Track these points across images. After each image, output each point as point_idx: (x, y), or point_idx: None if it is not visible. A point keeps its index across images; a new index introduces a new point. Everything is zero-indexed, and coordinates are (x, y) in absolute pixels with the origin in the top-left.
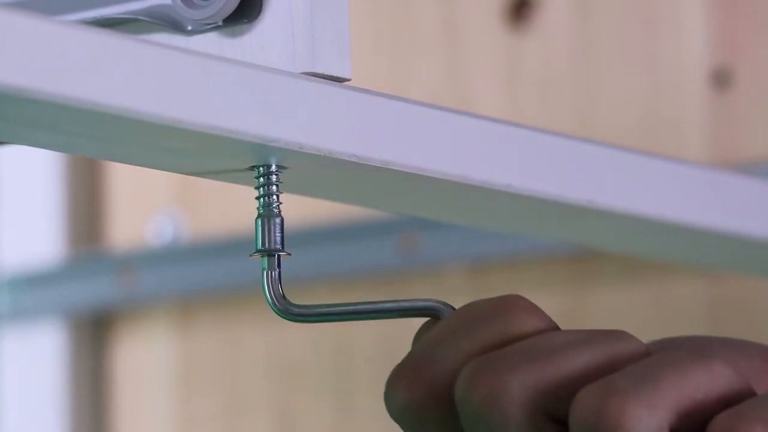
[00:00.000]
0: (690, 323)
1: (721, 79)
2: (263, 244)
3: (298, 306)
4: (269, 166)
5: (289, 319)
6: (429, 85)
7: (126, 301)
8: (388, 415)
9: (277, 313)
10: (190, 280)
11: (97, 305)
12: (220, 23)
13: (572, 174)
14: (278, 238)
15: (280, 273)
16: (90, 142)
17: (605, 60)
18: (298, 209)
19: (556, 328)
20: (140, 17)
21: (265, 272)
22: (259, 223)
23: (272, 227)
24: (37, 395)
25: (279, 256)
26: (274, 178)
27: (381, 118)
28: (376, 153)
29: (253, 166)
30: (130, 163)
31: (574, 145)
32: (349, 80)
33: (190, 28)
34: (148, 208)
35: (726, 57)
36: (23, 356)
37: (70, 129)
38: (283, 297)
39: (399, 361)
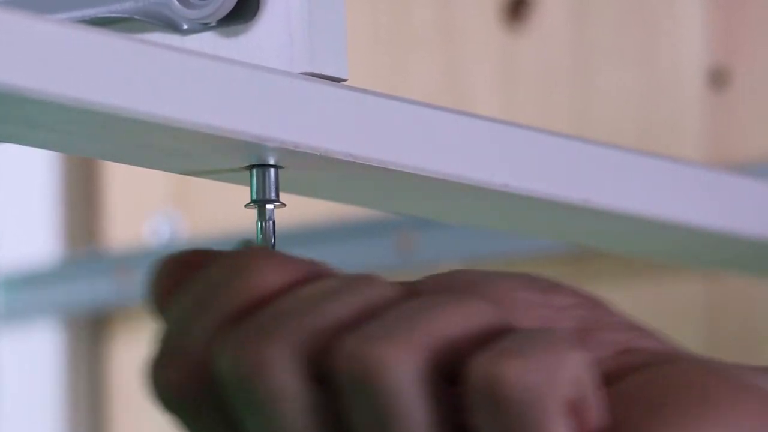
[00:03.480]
0: (690, 323)
1: (719, 79)
2: (257, 194)
3: None
4: (265, 166)
5: None
6: (426, 85)
7: (123, 300)
8: None
9: None
10: None
11: (94, 305)
12: (216, 23)
13: (569, 173)
14: (272, 189)
15: (274, 224)
16: (86, 141)
17: (602, 59)
18: (294, 209)
19: (307, 273)
20: (135, 16)
21: (258, 224)
22: (254, 173)
23: (266, 178)
24: (34, 395)
25: (273, 206)
26: (270, 177)
27: (377, 118)
28: (372, 152)
29: (249, 166)
30: (126, 163)
31: (572, 145)
32: (346, 80)
33: (185, 27)
34: (146, 207)
35: (723, 57)
36: (20, 356)
37: (66, 128)
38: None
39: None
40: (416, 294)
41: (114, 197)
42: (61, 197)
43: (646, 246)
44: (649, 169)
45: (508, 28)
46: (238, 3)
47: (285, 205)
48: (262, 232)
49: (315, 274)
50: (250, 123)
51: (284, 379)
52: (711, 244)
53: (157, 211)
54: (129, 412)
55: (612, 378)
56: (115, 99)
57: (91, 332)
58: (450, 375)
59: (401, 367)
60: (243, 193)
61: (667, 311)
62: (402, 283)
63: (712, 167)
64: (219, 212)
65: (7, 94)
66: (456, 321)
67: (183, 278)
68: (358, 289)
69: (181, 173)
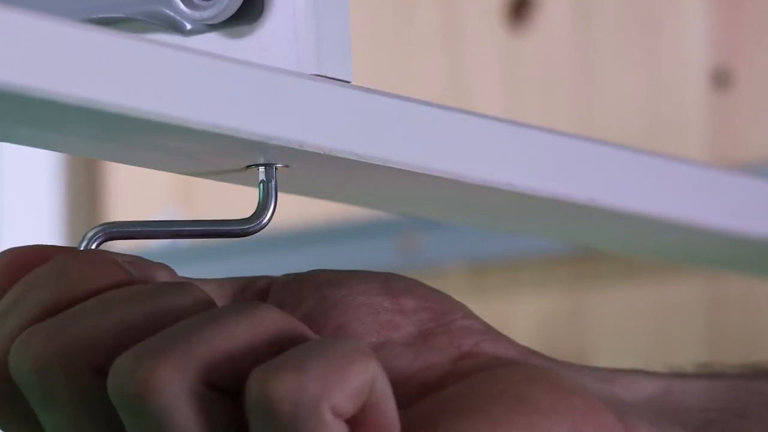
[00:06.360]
0: (690, 323)
1: (721, 79)
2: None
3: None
4: (269, 165)
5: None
6: (430, 85)
7: None
8: None
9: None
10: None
11: None
12: (220, 24)
13: (573, 173)
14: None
15: (276, 185)
16: (90, 142)
17: (605, 60)
18: (297, 209)
19: (120, 279)
20: (138, 17)
21: (261, 185)
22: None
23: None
24: None
25: (276, 168)
26: (273, 177)
27: (381, 117)
28: (376, 151)
29: (254, 165)
30: (130, 164)
31: (575, 144)
32: (350, 82)
33: (189, 27)
34: (149, 207)
35: (726, 57)
36: None
37: (70, 128)
38: (270, 216)
39: None
40: (212, 305)
41: (117, 195)
42: (65, 195)
43: (649, 246)
44: (653, 169)
45: (511, 29)
46: (242, 4)
47: (288, 166)
48: (263, 194)
49: (129, 279)
50: (254, 121)
51: (58, 379)
52: (714, 244)
53: (161, 209)
54: None
55: (436, 385)
56: (120, 98)
57: None
58: (235, 388)
59: (170, 386)
60: (246, 191)
61: (667, 311)
62: (238, 280)
63: (716, 167)
64: (222, 212)
65: (12, 93)
66: (238, 334)
67: (17, 275)
68: (154, 298)
69: (184, 174)
